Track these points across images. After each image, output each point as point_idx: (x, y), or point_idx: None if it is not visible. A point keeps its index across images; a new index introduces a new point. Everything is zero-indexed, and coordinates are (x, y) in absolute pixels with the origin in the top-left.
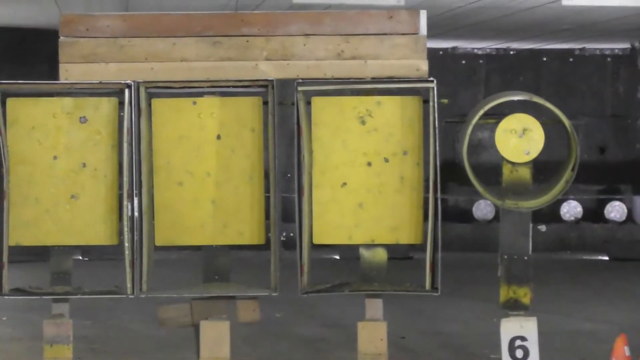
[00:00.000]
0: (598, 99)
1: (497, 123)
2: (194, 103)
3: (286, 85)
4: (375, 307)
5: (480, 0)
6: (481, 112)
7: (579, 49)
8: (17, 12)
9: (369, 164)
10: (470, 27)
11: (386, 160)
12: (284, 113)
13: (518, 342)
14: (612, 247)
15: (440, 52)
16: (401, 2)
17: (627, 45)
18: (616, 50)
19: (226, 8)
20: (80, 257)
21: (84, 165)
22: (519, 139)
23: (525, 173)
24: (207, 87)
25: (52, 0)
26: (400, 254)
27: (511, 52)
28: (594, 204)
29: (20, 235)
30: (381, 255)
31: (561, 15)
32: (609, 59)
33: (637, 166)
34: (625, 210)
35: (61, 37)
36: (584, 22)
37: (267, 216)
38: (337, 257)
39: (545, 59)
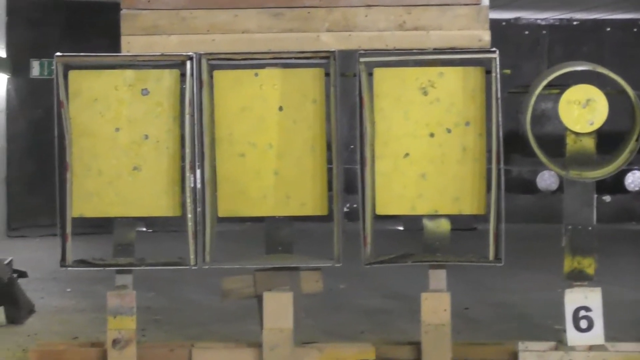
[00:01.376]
0: None
1: (561, 93)
2: (256, 75)
3: (348, 57)
4: (438, 277)
5: None
6: (544, 83)
7: None
8: None
9: (432, 134)
10: None
11: (448, 131)
12: (345, 84)
13: (582, 313)
14: None
15: (503, 23)
16: None
17: None
18: None
19: None
20: (145, 229)
21: (146, 137)
22: (583, 110)
23: (589, 143)
24: (269, 58)
25: None
26: (463, 225)
27: (574, 23)
28: None
29: (83, 207)
30: (445, 225)
31: None
32: None
33: None
34: None
35: (123, 10)
36: None
37: (330, 187)
38: (401, 228)
39: (608, 29)
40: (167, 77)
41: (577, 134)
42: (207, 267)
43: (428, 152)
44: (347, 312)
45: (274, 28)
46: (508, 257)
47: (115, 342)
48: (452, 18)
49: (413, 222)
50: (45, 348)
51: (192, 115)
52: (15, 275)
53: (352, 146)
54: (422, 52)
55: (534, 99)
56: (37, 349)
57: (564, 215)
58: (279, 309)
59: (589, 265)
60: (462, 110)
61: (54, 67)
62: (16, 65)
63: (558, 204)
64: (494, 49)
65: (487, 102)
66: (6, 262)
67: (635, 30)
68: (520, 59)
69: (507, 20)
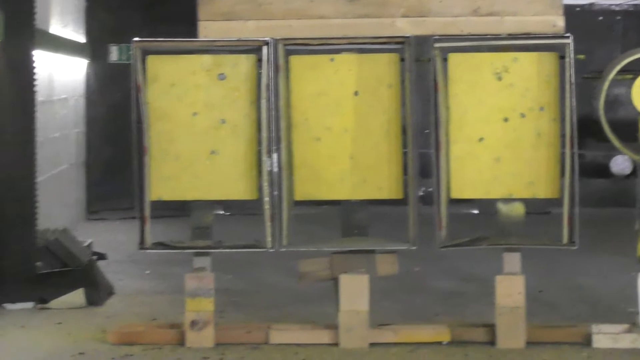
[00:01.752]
0: None
1: (634, 79)
2: (332, 60)
3: (422, 42)
4: (513, 260)
5: None
6: (618, 68)
7: None
8: None
9: (506, 119)
10: None
11: (522, 115)
12: (420, 69)
13: None
14: None
15: (577, 9)
16: None
17: None
18: None
19: None
20: (222, 212)
21: (223, 121)
22: None
23: None
24: (345, 43)
25: None
26: (537, 209)
27: None
28: None
29: (161, 190)
30: (519, 209)
31: None
32: None
33: None
34: None
35: None
36: None
37: (405, 171)
38: (476, 212)
39: None
40: (244, 62)
41: None
42: (284, 249)
43: (502, 136)
44: (422, 295)
45: (350, 13)
46: (581, 241)
47: (193, 323)
48: (527, 4)
49: (488, 206)
50: (124, 329)
51: (268, 100)
52: (94, 257)
53: (427, 130)
54: (496, 37)
55: (607, 84)
56: (116, 330)
57: (638, 199)
58: (355, 291)
59: None
60: (536, 95)
61: (132, 52)
62: (95, 51)
63: (632, 188)
64: (568, 34)
65: (561, 87)
66: (86, 244)
67: None
68: (594, 45)
69: (581, 6)
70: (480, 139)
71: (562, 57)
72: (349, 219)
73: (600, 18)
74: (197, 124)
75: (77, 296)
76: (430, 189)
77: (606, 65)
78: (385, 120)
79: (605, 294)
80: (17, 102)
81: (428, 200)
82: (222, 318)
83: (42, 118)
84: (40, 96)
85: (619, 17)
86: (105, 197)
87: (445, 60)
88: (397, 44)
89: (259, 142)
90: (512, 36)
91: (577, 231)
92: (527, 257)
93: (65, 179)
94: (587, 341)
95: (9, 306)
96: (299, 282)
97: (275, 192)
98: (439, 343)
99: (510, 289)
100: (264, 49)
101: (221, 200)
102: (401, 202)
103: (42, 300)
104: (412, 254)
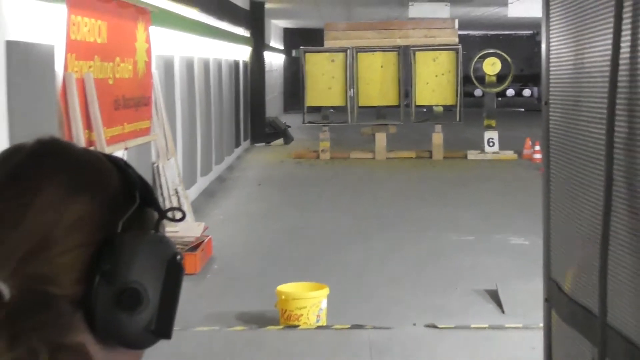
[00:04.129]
0: (516, 50)
1: (484, 60)
2: (373, 54)
3: (407, 48)
4: (438, 128)
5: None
6: (477, 56)
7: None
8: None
9: (436, 75)
10: (471, 23)
11: (442, 74)
12: (405, 59)
13: (490, 140)
14: (529, 105)
15: (461, 34)
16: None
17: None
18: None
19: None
20: (332, 110)
21: (333, 77)
22: (492, 66)
23: (494, 79)
24: (377, 48)
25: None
26: (447, 109)
27: (489, 35)
28: (518, 90)
29: (311, 101)
30: (440, 109)
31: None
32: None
33: (536, 76)
34: (530, 92)
35: (325, 31)
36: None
37: (399, 94)
38: (425, 110)
39: (512, 37)
40: (341, 56)
41: (489, 75)
42: (354, 123)
43: (434, 82)
44: (405, 140)
45: (378, 37)
46: (465, 121)
47: (322, 151)
48: (442, 33)
49: (429, 107)
50: (297, 152)
51: (349, 69)
52: (287, 127)
53: (407, 88)
54: (433, 45)
55: (473, 62)
56: (294, 152)
57: (485, 105)
58: (381, 139)
59: (494, 123)
60: (447, 67)
61: (300, 52)
62: (287, 51)
63: (482, 101)
64: (459, 45)
65: (456, 64)
66: (284, 122)
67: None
68: (469, 49)
69: (465, 35)
70: (427, 83)
71: (457, 53)
72: (379, 112)
73: (472, 39)
74: (326, 79)
75: (280, 141)
76: (409, 101)
77: (473, 56)
78: (392, 77)
79: (474, 139)
80: (258, 71)
81: (408, 105)
82: (332, 148)
83: (267, 77)
84: (266, 68)
85: (478, 39)
86: (290, 104)
87: (414, 54)
88: (397, 49)
89: (346, 84)
90: (439, 45)
91: (462, 116)
92: (443, 127)
93: (276, 98)
94: (465, 157)
95: (256, 144)
96: (361, 135)
97: (352, 103)
98: (411, 157)
99: (437, 138)
100: (348, 51)
101: (331, 105)
102: (398, 107)
103: (268, 142)
104: (401, 126)
